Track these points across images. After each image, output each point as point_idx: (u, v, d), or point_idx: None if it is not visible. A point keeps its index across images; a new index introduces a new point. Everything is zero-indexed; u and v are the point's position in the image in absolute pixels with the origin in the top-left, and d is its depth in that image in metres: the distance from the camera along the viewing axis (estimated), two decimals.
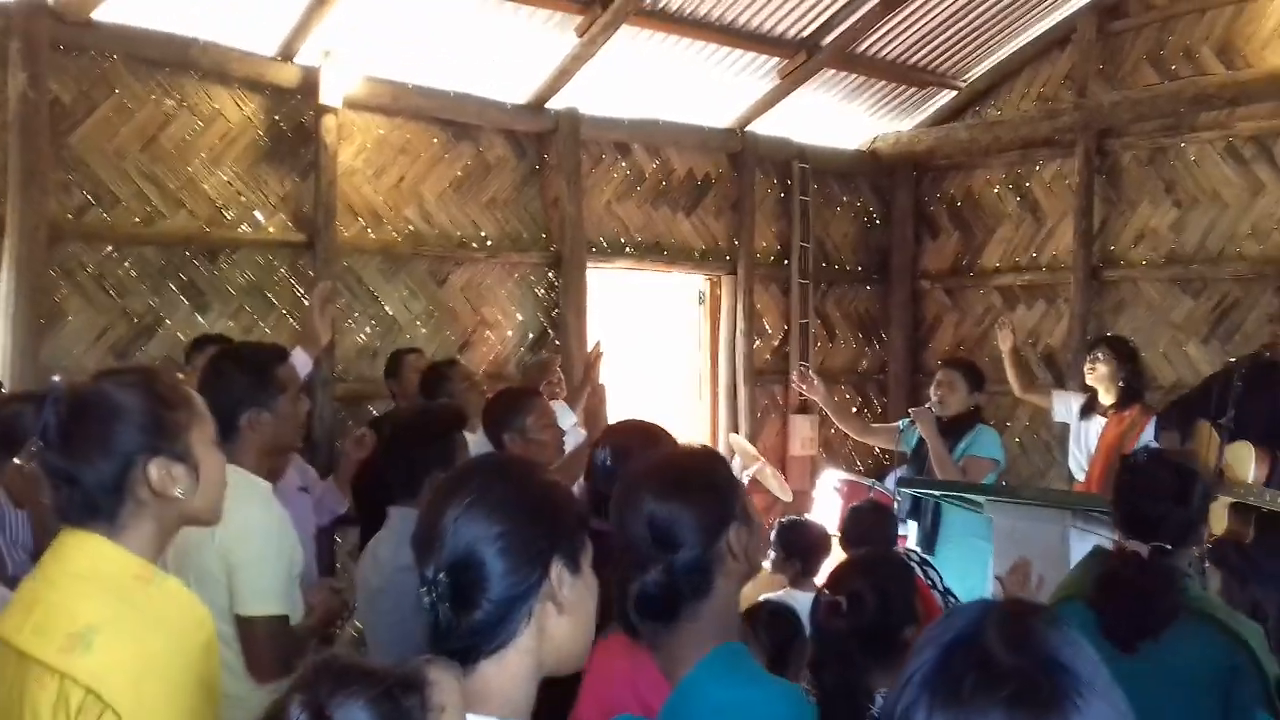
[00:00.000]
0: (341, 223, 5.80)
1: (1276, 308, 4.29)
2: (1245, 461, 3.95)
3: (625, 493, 1.88)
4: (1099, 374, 5.57)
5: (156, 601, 1.74)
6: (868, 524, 4.14)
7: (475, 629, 1.46)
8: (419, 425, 3.28)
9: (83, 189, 5.10)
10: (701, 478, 1.89)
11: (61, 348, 5.00)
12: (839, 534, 4.24)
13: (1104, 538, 2.77)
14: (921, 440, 5.32)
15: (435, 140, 6.23)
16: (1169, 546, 2.58)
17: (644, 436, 2.68)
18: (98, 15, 4.92)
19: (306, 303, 5.61)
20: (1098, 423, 5.61)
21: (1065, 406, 5.94)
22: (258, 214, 5.64)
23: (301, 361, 3.82)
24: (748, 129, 7.40)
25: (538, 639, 1.49)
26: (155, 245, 5.31)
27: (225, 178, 5.51)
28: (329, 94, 5.58)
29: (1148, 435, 5.38)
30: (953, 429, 5.27)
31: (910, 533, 5.42)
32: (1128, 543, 2.66)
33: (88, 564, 1.73)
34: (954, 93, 7.90)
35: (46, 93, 4.85)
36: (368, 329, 6.03)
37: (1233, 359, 4.63)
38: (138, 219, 5.24)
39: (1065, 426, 6.03)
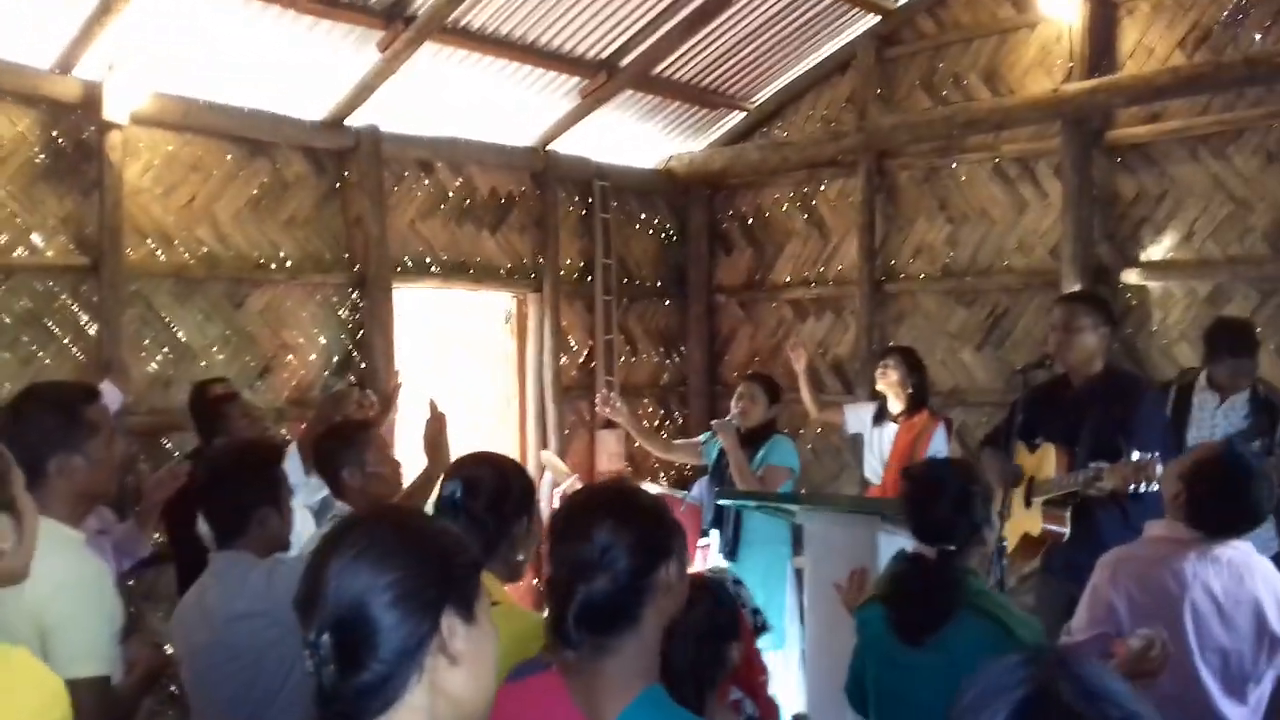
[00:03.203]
0: (129, 245, 5.47)
1: (1052, 319, 4.60)
2: (1050, 461, 4.28)
3: (576, 513, 1.94)
4: (889, 380, 5.89)
5: (3, 677, 1.61)
6: None
7: (362, 690, 1.38)
8: (238, 463, 3.14)
9: None
10: (652, 509, 1.96)
11: None
12: None
13: (910, 540, 3.06)
14: (723, 452, 5.56)
15: (229, 157, 5.95)
16: (953, 549, 2.89)
17: (495, 469, 2.65)
18: None
19: (92, 331, 5.28)
20: (890, 429, 5.93)
21: (857, 418, 6.24)
22: (35, 236, 5.25)
23: (113, 395, 3.59)
24: (549, 148, 7.42)
25: (430, 696, 1.41)
26: None
27: None
28: (113, 109, 5.26)
29: (939, 439, 5.75)
30: (751, 439, 5.55)
31: (713, 541, 5.61)
32: (920, 547, 2.97)
33: None
34: (744, 114, 8.17)
35: None
36: (160, 357, 5.70)
37: (1018, 369, 4.92)
38: None
39: (858, 435, 6.34)
